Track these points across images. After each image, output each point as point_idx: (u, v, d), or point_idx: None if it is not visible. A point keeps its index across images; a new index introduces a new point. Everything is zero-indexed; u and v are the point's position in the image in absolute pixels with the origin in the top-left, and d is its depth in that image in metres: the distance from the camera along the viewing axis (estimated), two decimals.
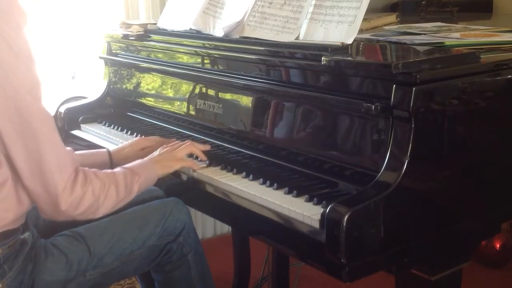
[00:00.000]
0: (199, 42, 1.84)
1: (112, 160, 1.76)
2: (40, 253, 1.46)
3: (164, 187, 1.76)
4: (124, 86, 2.20)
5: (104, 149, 1.80)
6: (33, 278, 1.44)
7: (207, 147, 1.66)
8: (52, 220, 1.45)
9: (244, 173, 1.54)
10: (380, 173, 1.25)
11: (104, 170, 1.48)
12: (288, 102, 1.55)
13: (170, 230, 1.63)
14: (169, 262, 1.66)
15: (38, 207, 1.40)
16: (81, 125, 2.15)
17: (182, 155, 1.63)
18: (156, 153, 1.65)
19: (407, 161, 1.22)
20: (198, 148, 1.65)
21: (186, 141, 1.68)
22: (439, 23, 2.10)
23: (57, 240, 1.53)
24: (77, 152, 1.71)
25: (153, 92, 2.07)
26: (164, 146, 1.69)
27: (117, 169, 1.51)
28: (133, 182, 1.49)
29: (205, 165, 1.64)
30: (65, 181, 1.35)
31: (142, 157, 1.65)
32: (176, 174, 1.67)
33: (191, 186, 1.65)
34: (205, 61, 1.86)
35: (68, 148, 1.49)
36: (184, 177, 1.66)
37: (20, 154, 1.33)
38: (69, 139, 2.12)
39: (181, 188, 1.70)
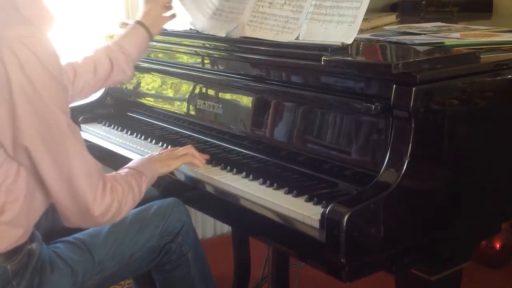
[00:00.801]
0: (199, 42, 1.84)
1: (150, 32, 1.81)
2: (46, 265, 1.46)
3: (164, 187, 1.76)
4: (124, 86, 2.20)
5: (135, 26, 1.82)
6: None
7: (206, 156, 1.66)
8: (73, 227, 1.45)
9: (244, 173, 1.54)
10: (380, 173, 1.25)
11: (117, 174, 1.48)
12: (288, 102, 1.55)
13: (170, 231, 1.63)
14: (169, 262, 1.66)
15: (63, 217, 1.40)
16: (81, 125, 2.15)
17: (180, 155, 1.63)
18: (155, 153, 1.66)
19: (407, 161, 1.22)
20: (197, 153, 1.65)
21: (187, 146, 1.68)
22: (439, 23, 2.10)
23: (60, 249, 1.52)
24: (115, 41, 1.79)
25: (153, 92, 2.07)
26: (163, 148, 1.70)
27: (126, 170, 1.51)
28: (142, 183, 1.50)
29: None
30: (94, 190, 1.35)
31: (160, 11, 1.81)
32: (176, 174, 1.67)
33: (191, 186, 1.65)
34: (205, 61, 1.86)
35: None
36: (184, 177, 1.66)
37: (52, 171, 1.31)
38: None
39: (181, 188, 1.70)
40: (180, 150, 1.64)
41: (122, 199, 1.41)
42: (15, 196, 1.35)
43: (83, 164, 1.34)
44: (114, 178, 1.43)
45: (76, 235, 1.56)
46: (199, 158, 1.63)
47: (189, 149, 1.64)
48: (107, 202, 1.37)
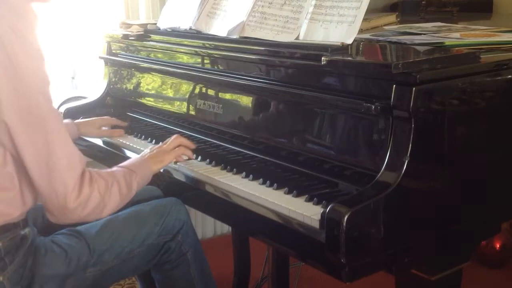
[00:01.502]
0: (199, 42, 1.84)
1: (80, 131, 1.95)
2: (40, 249, 1.47)
3: (163, 187, 1.76)
4: (124, 86, 2.20)
5: (70, 122, 1.95)
6: (33, 272, 1.44)
7: (192, 145, 1.69)
8: (58, 223, 1.45)
9: (244, 173, 1.54)
10: (380, 173, 1.25)
11: (104, 170, 1.49)
12: (288, 102, 1.55)
13: (169, 229, 1.63)
14: (168, 261, 1.66)
15: (46, 210, 1.40)
16: None
17: (171, 149, 1.64)
18: (147, 150, 1.67)
19: (407, 161, 1.22)
20: (185, 143, 1.67)
21: (173, 136, 1.70)
22: (439, 23, 2.10)
23: (56, 238, 1.54)
24: None
25: (153, 92, 2.07)
26: (153, 145, 1.73)
27: (115, 168, 1.52)
28: (132, 180, 1.50)
29: (186, 158, 1.67)
30: (74, 180, 1.35)
31: (98, 135, 2.00)
32: (176, 174, 1.67)
33: (191, 186, 1.65)
34: (205, 61, 1.86)
35: None
36: (184, 177, 1.66)
37: (30, 153, 1.33)
38: None
39: (181, 188, 1.70)
40: (170, 143, 1.66)
41: (106, 192, 1.40)
42: (5, 178, 1.36)
43: (64, 151, 1.35)
44: (97, 172, 1.43)
45: (73, 228, 1.57)
46: (189, 147, 1.66)
47: (178, 139, 1.66)
48: (85, 194, 1.36)
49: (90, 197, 1.37)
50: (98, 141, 2.03)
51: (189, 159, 1.66)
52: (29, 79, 1.30)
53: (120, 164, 1.55)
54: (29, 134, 1.31)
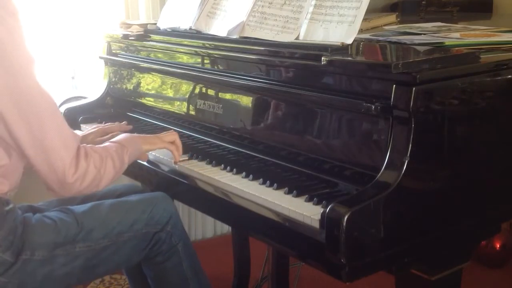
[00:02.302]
0: (199, 42, 1.84)
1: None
2: (30, 219, 1.52)
3: (162, 186, 1.76)
4: (124, 86, 2.20)
5: None
6: (23, 239, 1.48)
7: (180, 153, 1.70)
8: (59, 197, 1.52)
9: (244, 173, 1.54)
10: (380, 173, 1.25)
11: (97, 145, 1.54)
12: (288, 102, 1.55)
13: (157, 219, 1.66)
14: (160, 253, 1.68)
15: (47, 187, 1.46)
16: (81, 125, 2.15)
17: (167, 140, 1.67)
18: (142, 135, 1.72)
19: (407, 161, 1.22)
20: (178, 143, 1.69)
21: (172, 131, 1.72)
22: (439, 23, 2.10)
23: (46, 213, 1.59)
24: None
25: (153, 92, 2.07)
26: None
27: (107, 143, 1.57)
28: (124, 154, 1.55)
29: (186, 158, 1.68)
30: (68, 156, 1.40)
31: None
32: (175, 173, 1.67)
33: (191, 186, 1.65)
34: (205, 61, 1.86)
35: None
36: (184, 177, 1.66)
37: (24, 134, 1.38)
38: None
39: (181, 188, 1.70)
40: (166, 135, 1.68)
41: (101, 165, 1.47)
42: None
43: (57, 130, 1.40)
44: (91, 147, 1.49)
45: (63, 206, 1.62)
46: (179, 152, 1.67)
47: (174, 135, 1.68)
48: (83, 168, 1.42)
49: (87, 170, 1.44)
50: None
51: (174, 161, 1.67)
52: (18, 64, 1.34)
53: (112, 140, 1.61)
54: (22, 117, 1.36)
